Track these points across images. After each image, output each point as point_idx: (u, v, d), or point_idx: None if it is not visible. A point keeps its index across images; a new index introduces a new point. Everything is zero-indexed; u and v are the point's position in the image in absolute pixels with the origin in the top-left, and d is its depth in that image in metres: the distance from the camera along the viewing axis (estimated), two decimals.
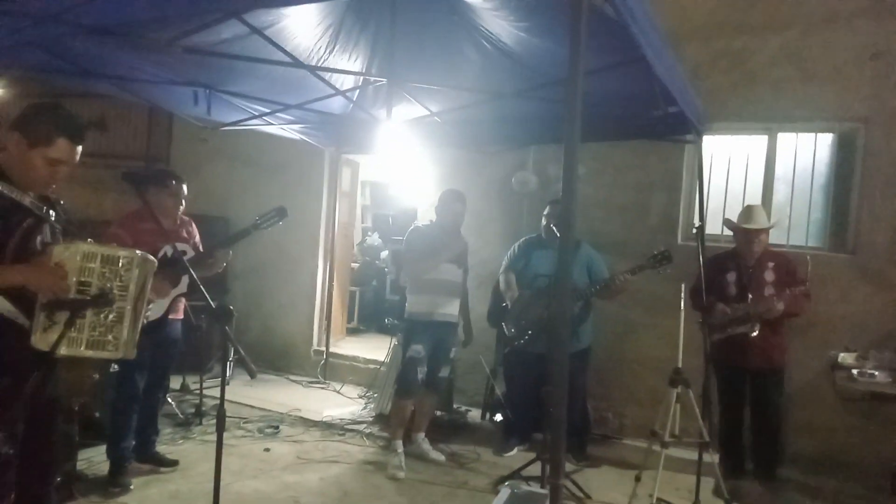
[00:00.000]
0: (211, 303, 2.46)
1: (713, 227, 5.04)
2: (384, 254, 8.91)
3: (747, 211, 4.29)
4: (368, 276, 8.80)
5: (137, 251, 2.43)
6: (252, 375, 2.45)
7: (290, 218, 3.87)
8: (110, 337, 2.35)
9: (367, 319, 8.42)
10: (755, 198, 4.99)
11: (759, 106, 4.86)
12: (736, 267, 4.24)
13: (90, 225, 2.75)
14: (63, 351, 2.24)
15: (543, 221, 4.63)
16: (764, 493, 4.13)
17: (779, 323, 4.12)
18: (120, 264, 2.34)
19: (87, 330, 2.31)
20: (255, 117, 4.97)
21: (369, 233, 9.90)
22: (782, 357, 4.22)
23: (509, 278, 4.65)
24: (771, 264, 4.18)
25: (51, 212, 2.41)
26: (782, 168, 5.02)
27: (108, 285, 2.30)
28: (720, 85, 4.88)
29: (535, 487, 3.36)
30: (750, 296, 4.10)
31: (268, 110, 4.87)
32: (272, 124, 5.27)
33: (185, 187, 3.94)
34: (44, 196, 2.41)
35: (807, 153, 4.95)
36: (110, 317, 2.34)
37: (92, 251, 2.31)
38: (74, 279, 2.26)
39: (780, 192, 5.02)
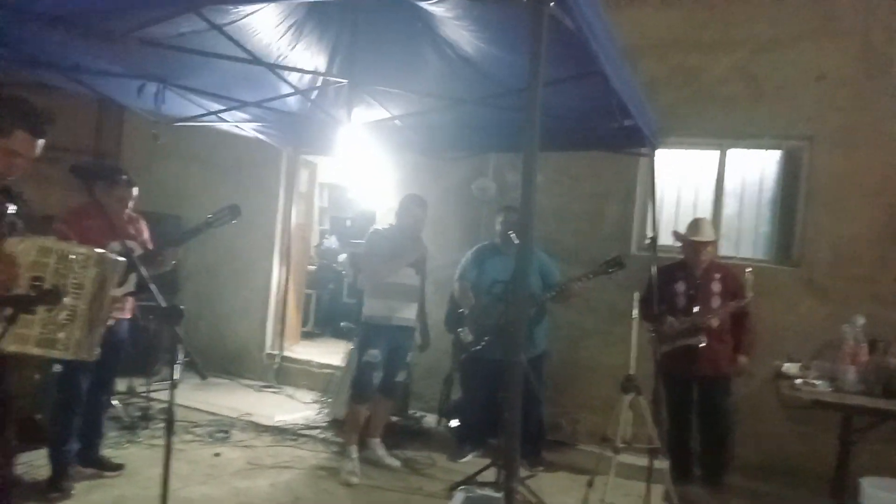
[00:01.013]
0: (161, 302, 2.40)
1: (666, 238, 5.17)
2: (342, 257, 8.83)
3: (694, 224, 4.41)
4: (325, 279, 8.70)
5: (97, 249, 2.35)
6: (202, 377, 2.40)
7: (245, 218, 3.80)
8: (61, 336, 2.28)
9: (323, 323, 8.33)
10: (706, 211, 5.15)
11: (711, 122, 5.02)
12: (684, 277, 4.37)
13: (34, 221, 2.66)
14: (12, 348, 2.16)
15: (498, 228, 4.67)
16: (711, 498, 4.24)
17: (725, 331, 4.26)
18: (75, 261, 2.26)
19: (37, 327, 2.23)
20: (210, 114, 4.87)
21: (327, 235, 9.81)
22: (729, 364, 4.36)
23: (463, 286, 4.67)
24: (718, 276, 4.32)
25: (9, 204, 2.33)
26: (732, 182, 5.20)
27: (62, 282, 2.23)
28: (674, 100, 5.02)
29: (489, 492, 3.37)
30: (696, 307, 4.21)
31: (224, 107, 4.77)
32: (228, 122, 5.17)
33: (135, 189, 3.83)
34: (4, 187, 2.34)
35: (755, 169, 5.15)
36: (62, 315, 2.26)
37: (48, 246, 2.25)
38: (28, 274, 2.18)
39: (730, 205, 5.19)
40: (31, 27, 3.29)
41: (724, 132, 5.05)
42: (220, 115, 4.91)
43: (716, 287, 4.29)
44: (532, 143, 1.95)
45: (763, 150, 5.11)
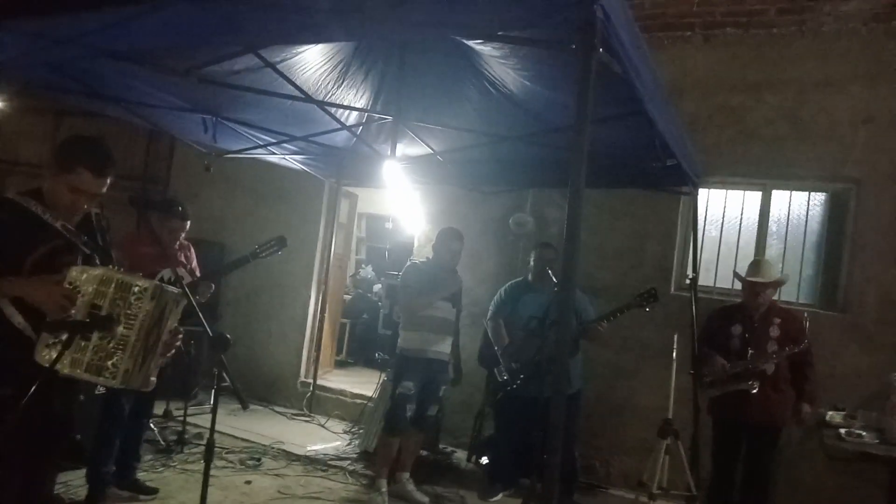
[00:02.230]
0: (209, 330, 2.45)
1: (706, 279, 5.10)
2: (377, 287, 8.90)
3: (755, 264, 4.23)
4: (360, 308, 8.76)
5: (157, 282, 2.42)
6: (244, 407, 2.42)
7: (287, 247, 3.88)
8: (109, 363, 2.31)
9: (357, 352, 8.36)
10: (748, 251, 5.06)
11: (755, 162, 4.96)
12: (742, 320, 4.17)
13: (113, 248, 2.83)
14: (65, 371, 2.24)
15: (531, 264, 4.66)
16: None
17: (781, 379, 4.04)
18: (133, 293, 2.33)
19: (89, 353, 2.29)
20: (259, 147, 5.02)
21: (363, 265, 9.90)
22: (783, 414, 4.12)
23: (497, 325, 4.63)
24: (777, 320, 4.10)
25: (84, 238, 2.46)
26: (776, 223, 5.11)
27: (117, 312, 2.30)
28: (717, 139, 4.99)
29: None
30: (751, 351, 4.05)
31: (273, 140, 4.92)
32: (275, 154, 5.32)
33: (188, 223, 3.96)
34: (86, 220, 2.49)
35: (800, 210, 5.05)
36: (112, 343, 2.32)
37: (108, 276, 2.32)
38: (88, 301, 2.27)
39: (773, 247, 5.09)
40: (98, 62, 3.49)
41: (768, 172, 4.98)
42: (268, 147, 5.06)
43: (774, 332, 4.07)
44: (578, 181, 1.95)
45: (808, 192, 5.01)
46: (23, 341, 2.28)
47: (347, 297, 8.48)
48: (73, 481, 3.84)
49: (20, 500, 2.52)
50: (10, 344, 2.28)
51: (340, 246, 7.20)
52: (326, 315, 6.85)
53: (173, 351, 2.61)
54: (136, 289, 2.31)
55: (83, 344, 2.25)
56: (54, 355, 2.22)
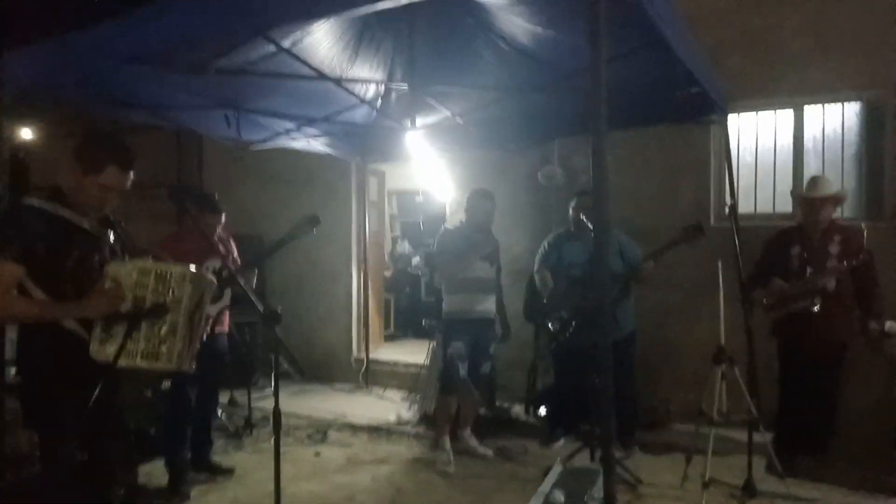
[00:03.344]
0: (259, 307, 2.55)
1: (746, 206, 5.03)
2: (415, 260, 8.99)
3: (813, 181, 4.16)
4: (401, 283, 8.89)
5: (191, 267, 2.52)
6: (301, 373, 2.53)
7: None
8: (163, 349, 2.42)
9: (403, 326, 8.50)
10: (786, 174, 4.96)
11: (783, 81, 4.83)
12: (800, 240, 4.13)
13: (132, 247, 2.91)
14: (122, 362, 2.34)
15: (571, 213, 4.65)
16: (819, 466, 4.06)
17: (845, 295, 3.98)
18: (172, 279, 2.43)
19: (142, 342, 2.39)
20: (282, 134, 5.09)
21: (399, 241, 10.00)
22: (849, 332, 4.08)
23: (544, 276, 4.65)
24: (837, 237, 4.04)
25: (110, 232, 2.54)
26: (811, 141, 4.98)
27: (162, 300, 2.40)
28: (742, 63, 4.86)
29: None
30: (809, 269, 4.00)
31: (294, 125, 4.99)
32: (299, 140, 5.40)
33: (223, 216, 4.07)
34: (104, 217, 2.55)
35: (835, 124, 4.91)
36: (163, 329, 2.42)
37: (147, 267, 2.42)
38: (130, 294, 2.37)
39: (811, 165, 4.97)
40: (112, 68, 3.59)
41: (797, 89, 4.85)
42: (291, 133, 5.13)
43: (834, 249, 4.00)
44: (599, 123, 1.95)
45: (842, 104, 4.86)
46: (76, 343, 2.37)
47: (388, 273, 8.59)
48: (154, 471, 4.05)
49: (102, 491, 2.67)
50: (65, 347, 2.37)
51: (374, 223, 7.29)
52: (370, 292, 6.99)
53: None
54: (175, 275, 2.41)
55: (134, 335, 2.35)
56: (110, 350, 2.32)
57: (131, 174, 2.52)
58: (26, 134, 7.52)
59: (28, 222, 2.34)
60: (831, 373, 4.18)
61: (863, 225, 4.01)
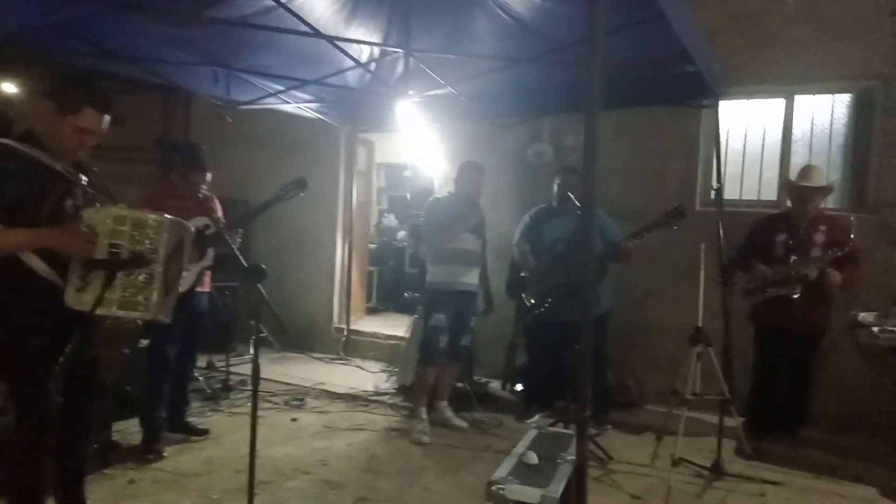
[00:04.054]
0: (243, 262, 2.53)
1: (731, 192, 5.06)
2: (401, 234, 8.98)
3: (806, 170, 4.20)
4: (386, 256, 8.87)
5: (168, 216, 2.48)
6: (283, 330, 2.53)
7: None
8: (140, 298, 2.39)
9: (386, 299, 8.50)
10: (773, 162, 4.99)
11: (776, 67, 4.83)
12: (786, 228, 4.19)
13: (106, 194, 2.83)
14: (99, 311, 2.30)
15: (555, 190, 4.64)
16: (787, 451, 4.15)
17: (825, 284, 4.01)
18: (149, 227, 2.39)
19: (118, 291, 2.35)
20: (273, 94, 5.02)
21: (385, 214, 9.97)
22: (825, 320, 4.16)
23: (523, 249, 4.66)
24: (823, 227, 4.10)
25: (82, 177, 2.48)
26: (800, 130, 5.01)
27: (139, 248, 2.36)
28: (736, 48, 4.85)
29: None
30: (793, 257, 4.06)
31: (285, 87, 4.91)
32: (289, 103, 5.32)
33: (209, 174, 4.01)
34: (77, 162, 2.49)
35: (824, 114, 4.93)
36: (140, 278, 2.38)
37: (122, 214, 2.37)
38: (106, 241, 2.33)
39: (798, 154, 5.01)
40: (104, 20, 3.50)
41: (790, 78, 4.86)
42: (282, 95, 5.06)
43: (819, 238, 4.07)
44: (593, 95, 1.92)
45: (832, 94, 4.89)
46: (49, 289, 2.33)
47: (373, 246, 8.57)
48: (129, 429, 4.03)
49: (74, 443, 2.65)
50: (37, 293, 2.33)
51: (362, 194, 7.25)
52: (354, 262, 6.96)
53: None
54: (151, 223, 2.37)
55: (112, 283, 2.31)
56: (86, 298, 2.28)
57: (107, 119, 2.46)
58: (8, 88, 7.36)
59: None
60: (806, 360, 4.25)
61: (853, 217, 4.03)
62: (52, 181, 2.37)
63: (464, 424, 4.52)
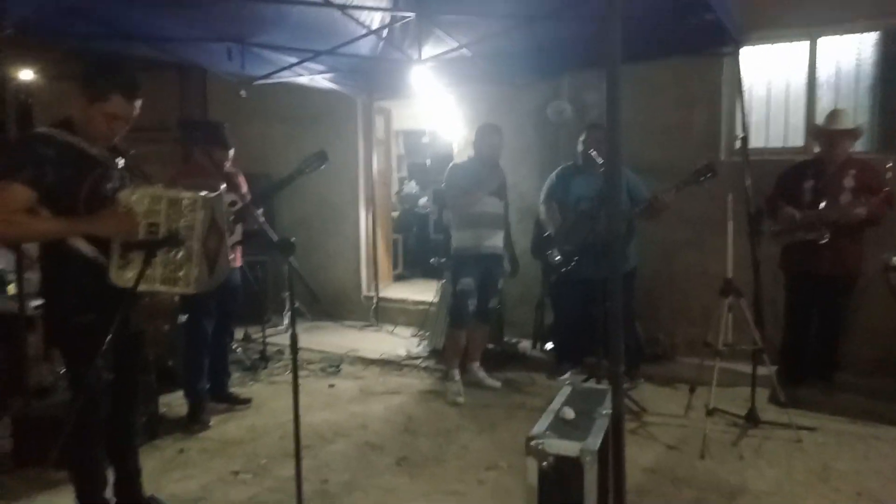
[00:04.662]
0: (273, 237, 2.58)
1: (757, 140, 4.98)
2: (423, 200, 9.00)
3: (832, 114, 4.13)
4: (409, 223, 8.92)
5: (201, 192, 2.53)
6: (317, 301, 2.58)
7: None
8: (180, 274, 2.47)
9: (411, 266, 8.57)
10: (798, 108, 4.89)
11: (798, 10, 4.69)
12: (815, 174, 4.13)
13: (143, 176, 2.89)
14: (142, 287, 2.39)
15: (580, 147, 4.61)
16: (822, 396, 4.16)
17: (857, 229, 3.99)
18: (184, 206, 2.45)
19: (159, 268, 2.44)
20: (287, 68, 5.02)
21: (406, 181, 9.98)
22: (857, 264, 4.12)
23: (550, 206, 4.66)
24: (852, 171, 4.02)
25: (118, 160, 2.55)
26: (825, 74, 4.88)
27: (175, 226, 2.43)
28: None
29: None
30: (823, 202, 4.01)
31: (298, 59, 4.90)
32: (304, 75, 5.32)
33: (231, 151, 4.07)
34: (114, 147, 2.56)
35: (850, 56, 4.80)
36: (179, 255, 2.46)
37: (158, 194, 2.44)
38: (143, 221, 2.40)
39: (824, 98, 4.88)
40: (115, 1, 3.52)
41: (813, 19, 4.71)
42: (296, 68, 5.05)
43: (848, 182, 4.00)
44: (614, 49, 1.89)
45: (858, 34, 4.74)
46: (94, 268, 2.42)
47: (395, 214, 8.61)
48: (174, 402, 4.19)
49: (125, 415, 2.76)
50: (84, 272, 2.43)
51: (382, 162, 7.26)
52: (378, 231, 7.02)
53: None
54: (186, 202, 2.44)
55: (151, 262, 2.39)
56: (129, 276, 2.37)
57: (137, 104, 2.51)
58: (26, 75, 7.44)
59: (38, 147, 2.35)
60: (837, 305, 4.23)
61: (890, 164, 3.93)
62: (89, 166, 2.44)
63: (497, 384, 4.60)
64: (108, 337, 2.27)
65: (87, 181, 2.42)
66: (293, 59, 4.91)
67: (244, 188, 4.26)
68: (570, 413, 2.36)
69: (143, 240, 2.40)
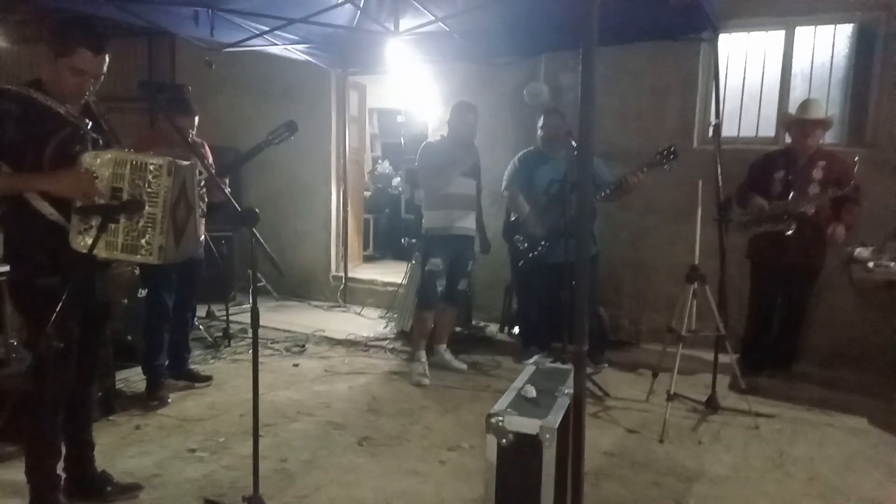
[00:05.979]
0: (237, 206, 2.50)
1: (729, 129, 5.00)
2: (396, 181, 8.90)
3: (805, 103, 4.17)
4: (381, 203, 8.82)
5: (169, 158, 2.43)
6: (280, 273, 2.52)
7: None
8: (143, 241, 2.38)
9: (382, 247, 8.49)
10: (772, 97, 4.92)
11: None
12: (785, 165, 4.17)
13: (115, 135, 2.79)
14: (102, 254, 2.33)
15: (539, 133, 4.58)
16: (780, 385, 4.24)
17: (823, 221, 4.04)
18: (149, 171, 2.36)
19: (121, 234, 2.35)
20: (258, 35, 4.87)
21: (379, 161, 9.87)
22: (822, 257, 4.18)
23: (513, 193, 4.62)
24: (822, 163, 4.08)
25: (88, 122, 2.45)
26: (800, 64, 4.91)
27: (139, 191, 2.34)
28: None
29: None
30: (792, 193, 4.05)
31: (271, 28, 4.76)
32: (276, 45, 5.18)
33: (196, 118, 3.95)
34: (86, 107, 2.47)
35: (825, 47, 4.83)
36: (141, 222, 2.37)
37: (122, 158, 2.34)
38: (107, 185, 2.31)
39: (798, 88, 4.92)
40: None
41: (790, 9, 4.73)
42: (268, 36, 4.91)
43: (817, 174, 4.05)
44: (590, 32, 1.84)
45: (834, 26, 4.77)
46: (58, 231, 2.34)
47: (367, 193, 8.51)
48: (132, 377, 4.08)
49: (82, 388, 2.67)
50: (47, 234, 2.35)
51: (355, 140, 7.14)
52: (349, 210, 6.92)
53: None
54: (152, 167, 2.34)
55: (112, 227, 2.31)
56: (89, 241, 2.29)
57: (105, 59, 2.41)
58: None
59: (1, 103, 2.26)
60: (801, 296, 4.30)
61: (856, 157, 3.99)
62: (56, 124, 2.35)
63: (463, 366, 4.58)
64: (70, 300, 2.20)
65: (53, 140, 2.33)
66: (265, 27, 4.77)
67: (209, 159, 4.14)
68: (531, 391, 2.34)
69: (100, 204, 2.32)
